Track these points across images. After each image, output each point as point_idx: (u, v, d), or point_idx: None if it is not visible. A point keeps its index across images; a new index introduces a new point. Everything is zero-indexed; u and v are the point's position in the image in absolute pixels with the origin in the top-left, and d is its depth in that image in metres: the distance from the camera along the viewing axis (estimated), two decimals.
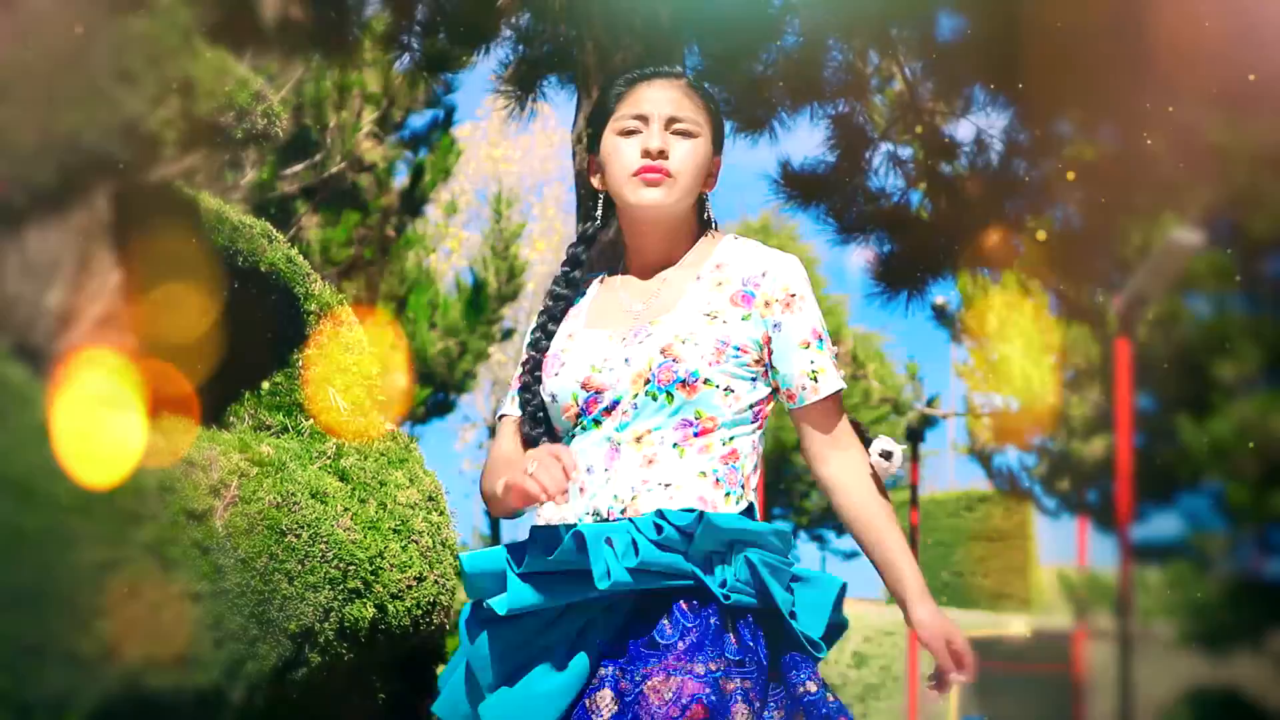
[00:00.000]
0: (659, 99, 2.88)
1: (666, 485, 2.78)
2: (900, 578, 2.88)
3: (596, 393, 2.81)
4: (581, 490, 2.81)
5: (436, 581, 4.29)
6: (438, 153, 15.99)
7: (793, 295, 2.89)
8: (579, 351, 2.86)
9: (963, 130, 6.85)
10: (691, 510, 2.73)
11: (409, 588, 4.17)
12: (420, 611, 4.21)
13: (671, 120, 2.87)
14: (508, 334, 19.85)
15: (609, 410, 2.80)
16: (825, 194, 6.95)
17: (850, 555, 33.43)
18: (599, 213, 2.97)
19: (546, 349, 2.91)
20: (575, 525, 2.73)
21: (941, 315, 16.79)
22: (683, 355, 2.78)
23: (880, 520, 2.88)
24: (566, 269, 2.99)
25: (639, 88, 2.90)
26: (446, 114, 16.19)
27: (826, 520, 32.02)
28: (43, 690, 2.70)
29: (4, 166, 2.65)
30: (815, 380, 2.86)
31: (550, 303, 2.96)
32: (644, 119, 2.87)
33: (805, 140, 7.14)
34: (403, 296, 16.35)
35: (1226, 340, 7.30)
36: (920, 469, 20.01)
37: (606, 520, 2.76)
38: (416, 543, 4.24)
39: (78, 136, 2.72)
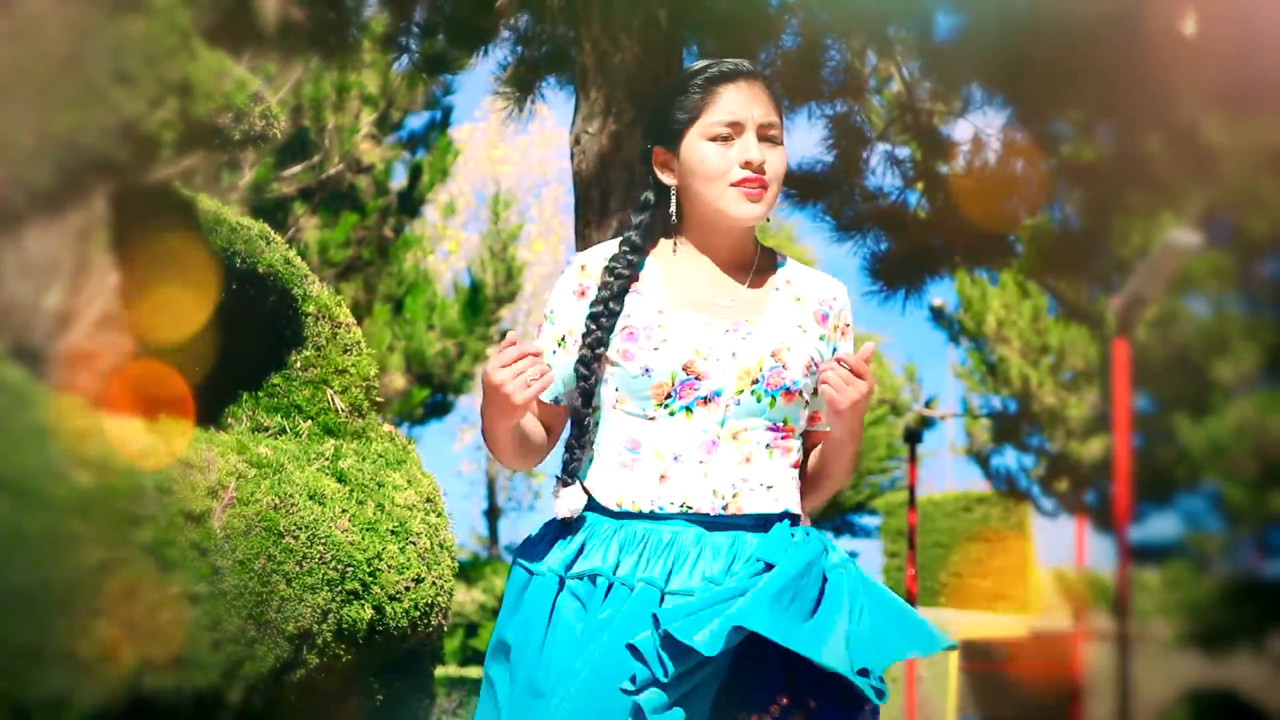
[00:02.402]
0: (752, 104, 2.82)
1: (769, 487, 2.79)
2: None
3: (696, 378, 2.75)
4: (664, 478, 2.76)
5: (434, 583, 4.28)
6: (435, 154, 15.99)
7: (848, 325, 2.95)
8: (679, 331, 2.79)
9: (960, 130, 6.86)
10: (789, 511, 2.79)
11: (407, 589, 4.17)
12: (418, 613, 4.21)
13: (765, 126, 2.83)
14: (505, 335, 19.81)
15: (706, 400, 2.76)
16: (823, 193, 6.96)
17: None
18: (672, 209, 2.89)
19: (610, 326, 2.81)
20: (652, 513, 2.73)
21: (940, 316, 16.80)
22: (790, 363, 2.79)
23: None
24: (627, 250, 2.88)
25: (727, 89, 2.83)
26: (444, 115, 16.20)
27: (824, 521, 32.05)
28: (40, 691, 2.70)
29: (2, 167, 2.65)
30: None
31: (611, 278, 2.84)
32: (738, 126, 2.81)
33: (803, 139, 7.17)
34: (400, 297, 16.36)
35: (1225, 341, 7.30)
36: (918, 470, 20.01)
37: (695, 513, 2.74)
38: (414, 544, 4.24)
39: (75, 137, 2.72)
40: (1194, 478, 7.61)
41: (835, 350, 2.89)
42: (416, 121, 15.89)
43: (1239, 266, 7.50)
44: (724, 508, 2.75)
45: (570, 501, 2.78)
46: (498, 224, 18.39)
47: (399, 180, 16.03)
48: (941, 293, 18.51)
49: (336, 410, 4.41)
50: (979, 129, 6.72)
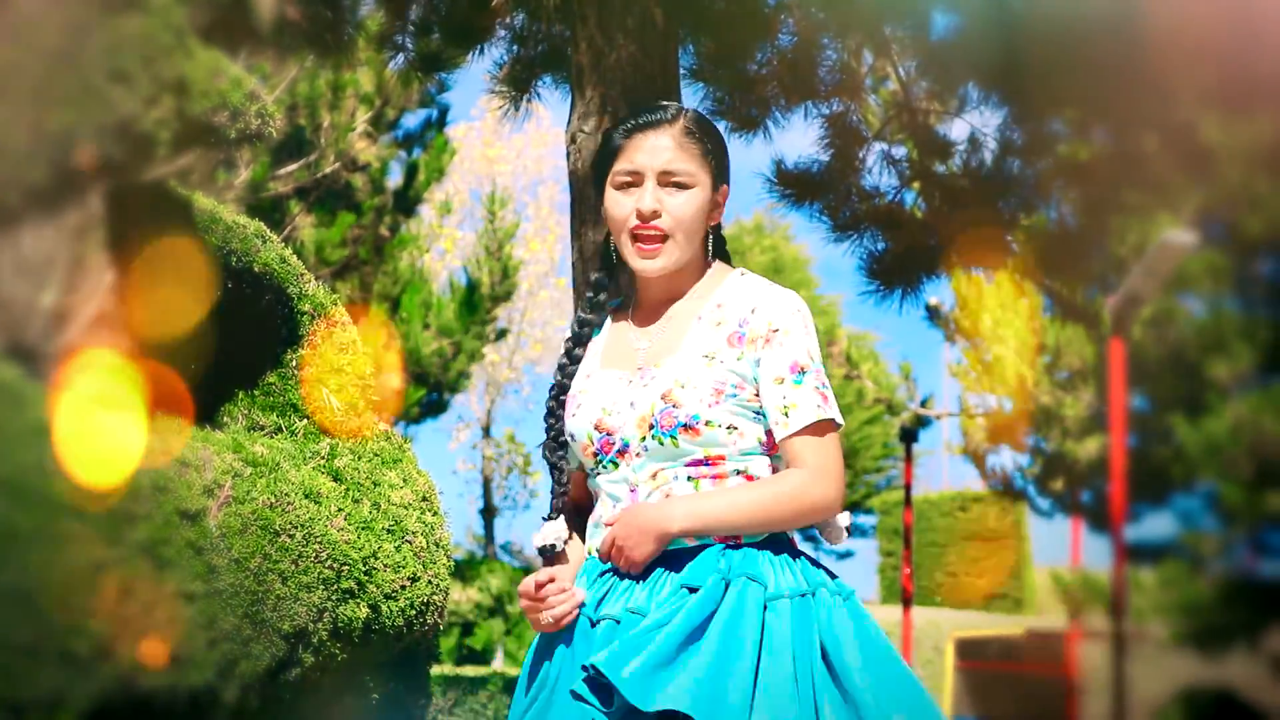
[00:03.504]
0: (652, 152, 2.88)
1: None
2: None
3: (608, 434, 2.88)
4: (608, 525, 2.91)
5: (430, 582, 4.28)
6: (431, 152, 15.99)
7: (775, 330, 2.90)
8: (594, 393, 2.93)
9: (957, 129, 6.86)
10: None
11: (402, 588, 4.17)
12: (414, 612, 4.21)
13: (666, 174, 2.88)
14: (501, 334, 19.84)
15: (622, 452, 2.87)
16: (819, 193, 6.95)
17: (844, 555, 33.47)
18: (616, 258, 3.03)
19: (573, 374, 3.00)
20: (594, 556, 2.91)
21: (936, 316, 16.80)
22: (682, 400, 2.83)
23: (744, 487, 2.90)
24: (591, 295, 3.02)
25: (635, 138, 2.90)
26: (440, 114, 16.20)
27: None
28: (35, 690, 2.70)
29: None
30: (786, 415, 2.88)
31: (577, 328, 3.03)
32: (638, 174, 2.88)
33: (799, 139, 7.15)
34: (396, 296, 16.35)
35: (1221, 340, 7.31)
36: (914, 469, 20.01)
37: None
38: (410, 543, 4.24)
39: (71, 136, 2.71)
40: (1190, 477, 7.62)
41: (758, 363, 2.88)
42: (412, 120, 15.89)
43: (1235, 266, 7.51)
44: None
45: (547, 535, 2.97)
46: (494, 223, 18.38)
47: (395, 179, 16.03)
48: (938, 292, 18.51)
49: (332, 409, 4.40)
50: (975, 128, 6.72)
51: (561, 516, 2.98)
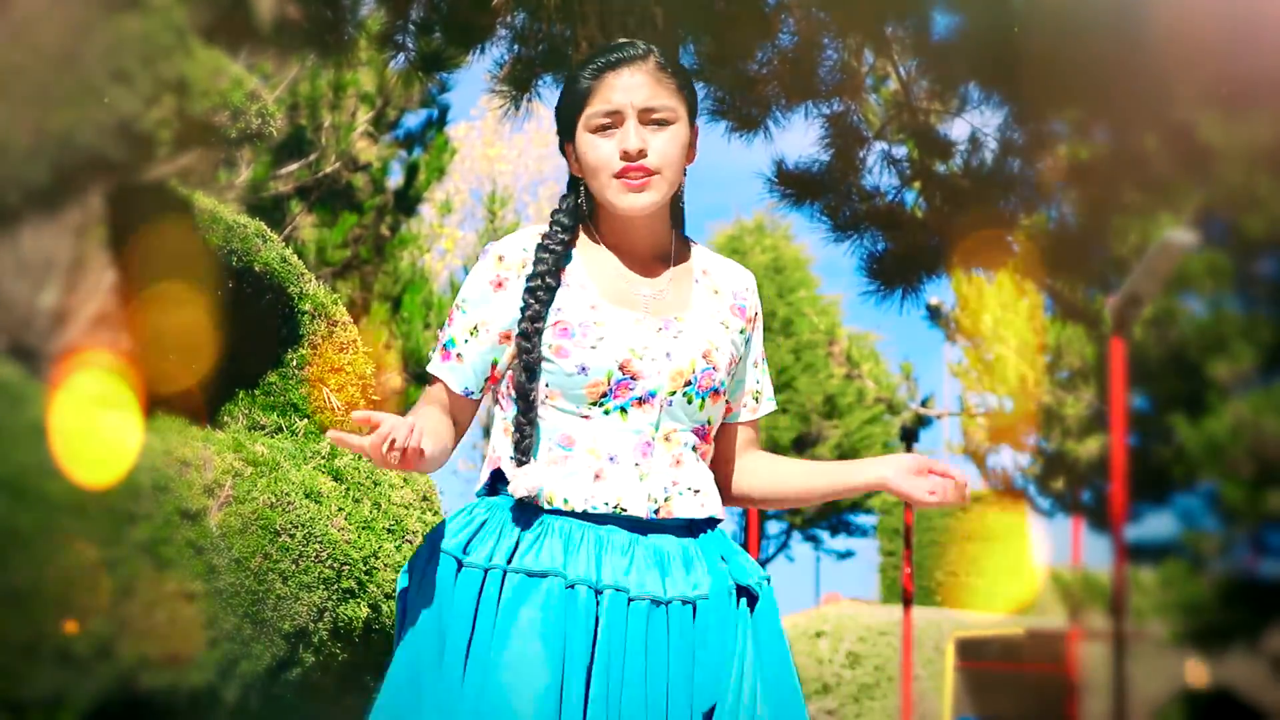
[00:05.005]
0: (630, 90, 2.75)
1: (696, 491, 2.76)
2: (844, 467, 2.88)
3: (632, 378, 2.71)
4: (598, 477, 2.71)
5: None
6: (432, 152, 15.98)
7: (757, 314, 2.92)
8: (615, 329, 2.74)
9: (957, 129, 6.86)
10: (713, 517, 2.77)
11: None
12: None
13: (647, 111, 2.76)
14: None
15: (641, 401, 2.72)
16: (819, 193, 6.95)
17: (845, 555, 33.44)
18: (580, 201, 2.83)
19: (548, 302, 2.74)
20: (584, 513, 2.68)
21: (936, 315, 16.79)
22: (718, 364, 2.77)
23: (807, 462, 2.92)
24: (559, 230, 2.80)
25: (607, 78, 2.76)
26: (441, 113, 16.18)
27: (820, 520, 32.05)
28: (36, 690, 2.70)
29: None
30: (756, 400, 2.90)
31: (546, 255, 2.77)
32: (618, 114, 2.75)
33: (799, 139, 7.14)
34: (397, 296, 16.34)
35: (1222, 340, 7.31)
36: None
37: (628, 515, 2.69)
38: (410, 543, 4.24)
39: (72, 135, 2.71)
40: (1190, 477, 7.62)
41: (748, 344, 2.87)
42: (413, 120, 15.87)
43: (1236, 266, 7.51)
44: (655, 511, 2.71)
45: (529, 480, 2.69)
46: (494, 222, 18.38)
47: (396, 179, 16.02)
48: (938, 292, 18.50)
49: (333, 408, 4.41)
50: (976, 128, 6.72)
51: (535, 460, 2.72)
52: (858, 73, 6.75)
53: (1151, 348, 9.20)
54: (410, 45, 6.66)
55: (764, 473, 2.93)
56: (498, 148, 30.27)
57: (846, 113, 6.80)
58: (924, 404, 20.62)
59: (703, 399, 2.75)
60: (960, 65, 6.49)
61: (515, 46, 6.59)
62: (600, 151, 2.76)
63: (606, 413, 2.73)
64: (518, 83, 6.65)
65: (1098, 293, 10.02)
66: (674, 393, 2.73)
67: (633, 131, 2.74)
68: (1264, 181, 6.93)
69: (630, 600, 2.64)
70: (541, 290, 2.75)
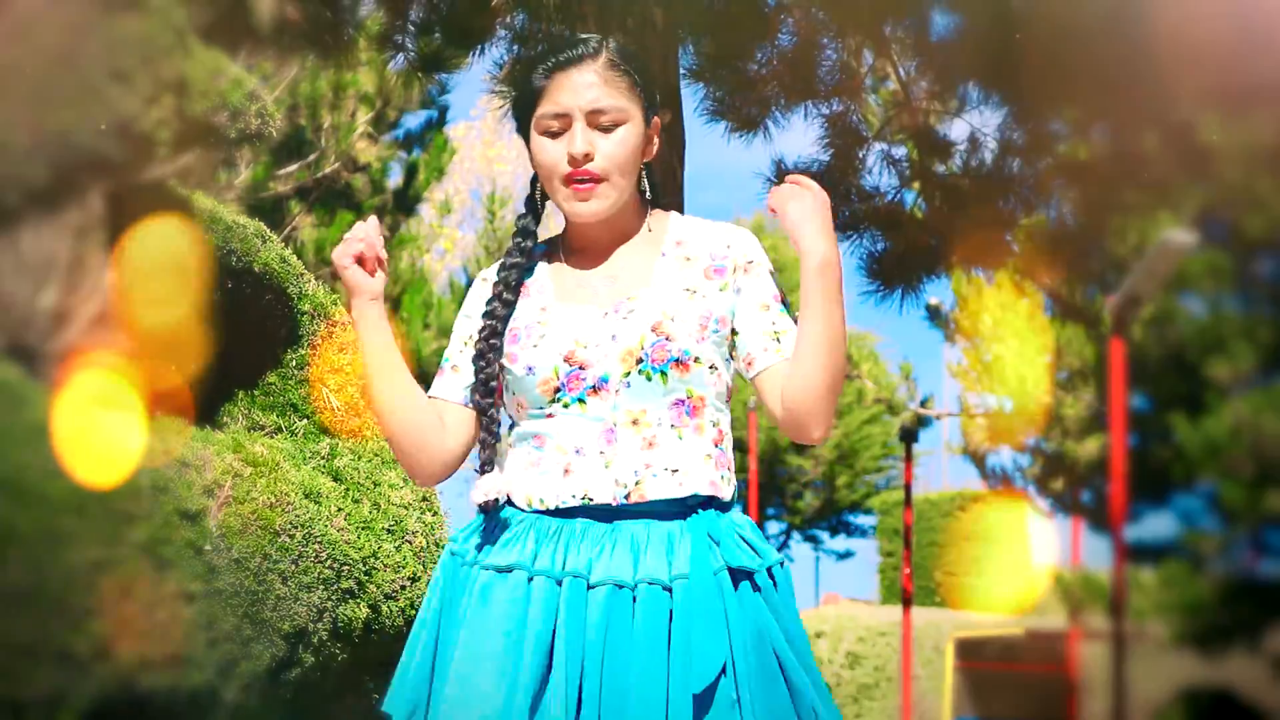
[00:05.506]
0: (577, 91, 2.73)
1: (674, 471, 2.70)
2: (802, 292, 2.75)
3: (580, 368, 2.70)
4: (567, 472, 2.70)
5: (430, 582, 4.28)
6: (431, 152, 15.99)
7: (750, 262, 2.81)
8: (559, 324, 2.74)
9: (957, 129, 6.85)
10: (699, 495, 2.69)
11: (402, 588, 4.17)
12: (414, 612, 4.20)
13: (595, 114, 2.73)
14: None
15: (595, 389, 2.70)
16: None
17: (844, 555, 33.45)
18: (537, 195, 2.86)
19: (506, 316, 2.77)
20: (558, 509, 2.68)
21: (936, 316, 16.79)
22: (674, 333, 2.70)
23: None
24: (519, 239, 2.83)
25: (556, 78, 2.75)
26: (440, 114, 16.19)
27: (820, 521, 32.05)
28: (36, 690, 2.69)
29: None
30: (778, 340, 2.77)
31: (505, 272, 2.80)
32: (564, 116, 2.74)
33: (799, 139, 7.12)
34: (397, 296, 16.35)
35: (1221, 340, 7.31)
36: (914, 469, 20.00)
37: (596, 504, 2.67)
38: (410, 543, 4.24)
39: (71, 136, 2.71)
40: (1190, 477, 7.61)
41: (740, 293, 2.79)
42: (413, 120, 15.87)
43: (1235, 266, 7.51)
44: (626, 497, 2.68)
45: (486, 486, 2.73)
46: (493, 223, 18.37)
47: (395, 179, 16.02)
48: (938, 292, 18.50)
49: (332, 409, 4.41)
50: (976, 128, 6.71)
51: (496, 468, 2.76)
52: (857, 73, 6.75)
53: (1151, 348, 9.20)
54: (410, 46, 6.66)
55: (792, 384, 2.76)
56: (497, 148, 30.29)
57: (846, 113, 6.79)
58: (923, 404, 20.62)
59: (662, 372, 2.69)
60: (960, 65, 6.49)
61: (515, 47, 6.59)
62: (548, 154, 2.75)
63: (566, 406, 2.71)
64: (517, 83, 6.66)
65: (1097, 293, 10.02)
66: (628, 374, 2.70)
67: (579, 135, 2.73)
68: (1264, 182, 6.93)
69: (590, 586, 2.63)
70: (499, 306, 2.79)
